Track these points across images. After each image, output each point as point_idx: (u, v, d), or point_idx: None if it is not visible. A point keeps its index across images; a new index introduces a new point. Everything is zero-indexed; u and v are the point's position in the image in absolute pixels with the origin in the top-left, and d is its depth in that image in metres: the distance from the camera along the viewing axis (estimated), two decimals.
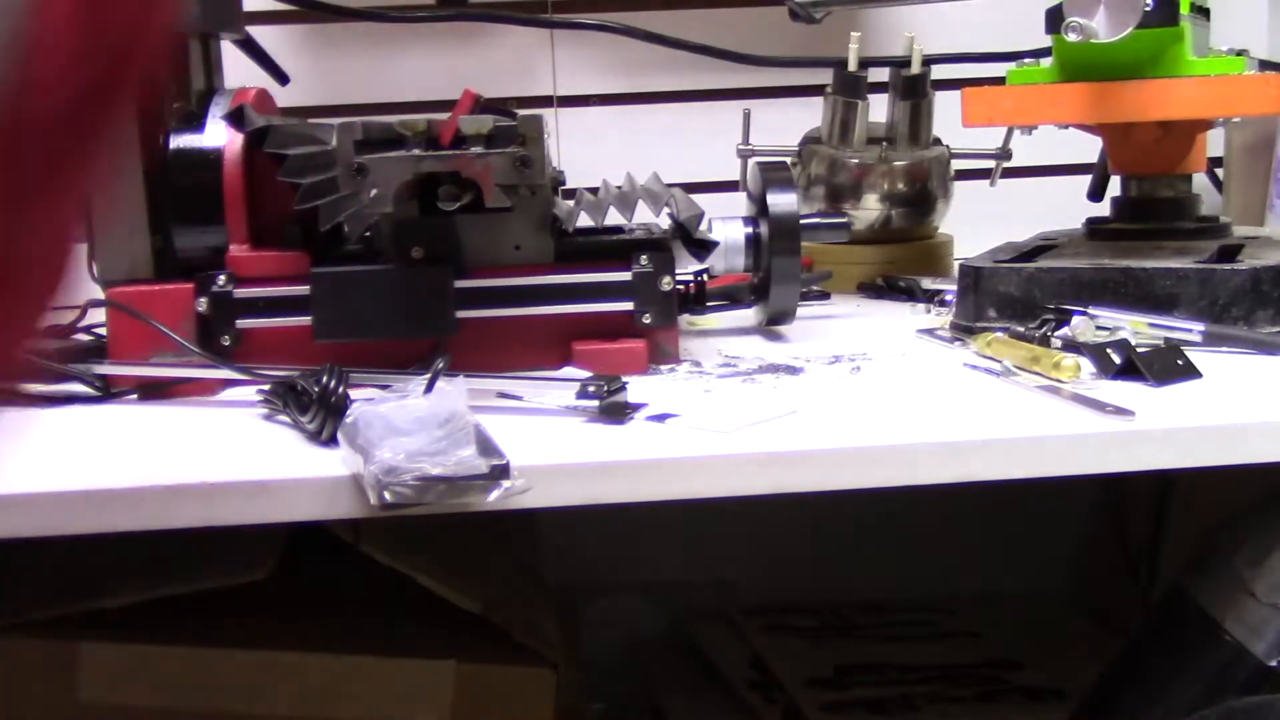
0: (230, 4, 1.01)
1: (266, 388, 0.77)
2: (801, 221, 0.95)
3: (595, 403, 0.73)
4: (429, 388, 0.69)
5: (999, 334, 0.87)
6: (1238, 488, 0.83)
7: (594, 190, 0.99)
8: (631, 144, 1.37)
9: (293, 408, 0.73)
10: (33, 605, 0.97)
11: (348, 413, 0.68)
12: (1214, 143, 1.23)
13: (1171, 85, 0.92)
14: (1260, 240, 1.01)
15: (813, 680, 1.20)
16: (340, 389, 0.70)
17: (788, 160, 1.18)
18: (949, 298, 1.02)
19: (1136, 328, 0.85)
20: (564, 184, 1.04)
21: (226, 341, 0.85)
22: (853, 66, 1.19)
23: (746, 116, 1.23)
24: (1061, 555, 1.43)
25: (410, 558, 0.95)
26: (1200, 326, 0.84)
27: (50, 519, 0.63)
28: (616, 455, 0.66)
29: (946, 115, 1.14)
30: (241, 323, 0.85)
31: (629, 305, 0.86)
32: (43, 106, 0.38)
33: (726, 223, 0.98)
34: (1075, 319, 0.85)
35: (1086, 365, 0.79)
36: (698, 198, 0.95)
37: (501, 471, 0.62)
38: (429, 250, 0.85)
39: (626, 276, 0.86)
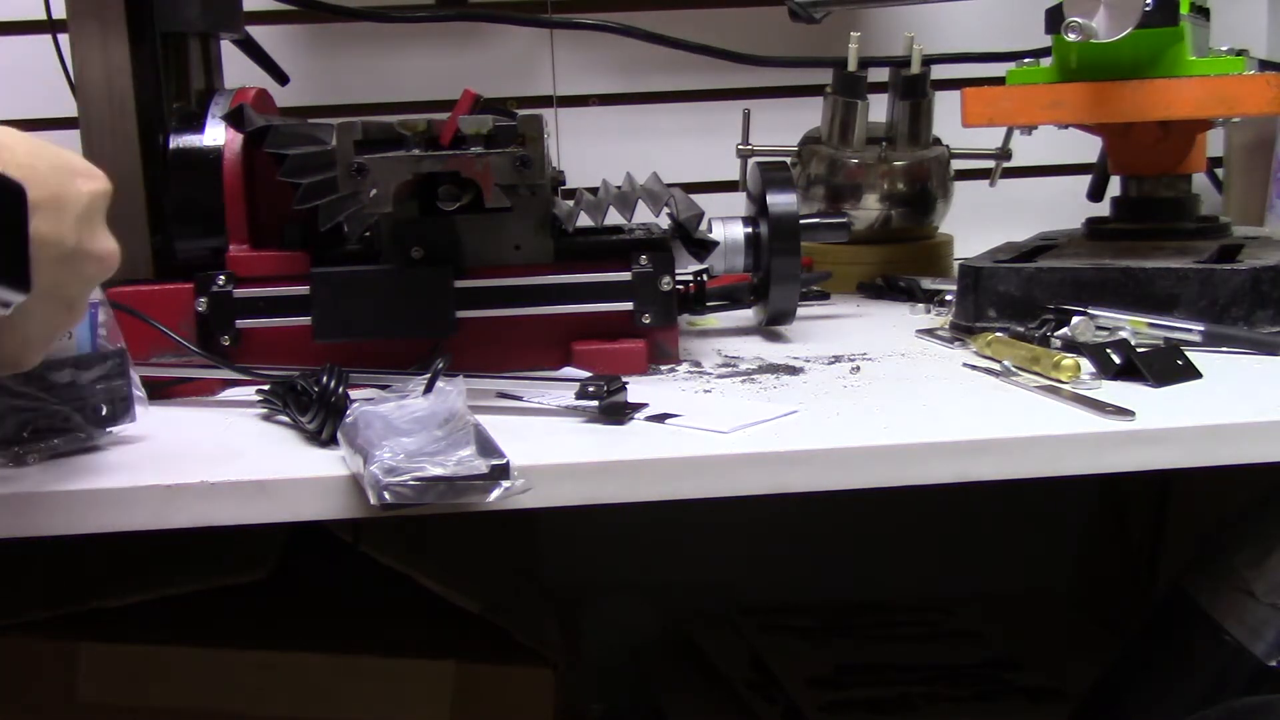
0: (230, 4, 1.01)
1: (266, 388, 0.77)
2: (801, 221, 0.95)
3: (595, 403, 0.73)
4: (429, 388, 0.69)
5: (999, 334, 0.87)
6: (1238, 488, 0.83)
7: (594, 190, 0.99)
8: (631, 144, 1.38)
9: (293, 408, 0.73)
10: (33, 605, 0.97)
11: (348, 413, 0.68)
12: (1214, 143, 1.23)
13: (1171, 85, 0.92)
14: (1260, 240, 1.02)
15: (813, 680, 1.20)
16: (340, 389, 0.70)
17: (788, 160, 1.18)
18: (949, 298, 1.02)
19: (1136, 328, 0.85)
20: (564, 184, 1.04)
21: (226, 341, 0.85)
22: (852, 66, 1.19)
23: (746, 116, 1.23)
24: (1061, 555, 1.43)
25: (410, 558, 0.95)
26: (1200, 326, 0.84)
27: (50, 519, 0.63)
28: (616, 455, 0.66)
29: (946, 115, 1.14)
30: (241, 323, 0.85)
31: (629, 305, 0.86)
32: None
33: (726, 223, 0.98)
34: (1075, 319, 0.85)
35: (1086, 365, 0.79)
36: (698, 198, 0.95)
37: (501, 471, 0.62)
38: (429, 250, 0.85)
39: (626, 276, 0.86)
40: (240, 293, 0.85)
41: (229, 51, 1.05)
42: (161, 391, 0.83)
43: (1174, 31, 0.91)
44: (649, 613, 1.36)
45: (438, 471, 0.61)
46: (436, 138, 0.81)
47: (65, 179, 0.58)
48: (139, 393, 0.73)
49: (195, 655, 0.96)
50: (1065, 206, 1.25)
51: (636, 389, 0.77)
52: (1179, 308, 0.87)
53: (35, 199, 0.55)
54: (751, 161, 1.08)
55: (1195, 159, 1.02)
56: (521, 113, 0.82)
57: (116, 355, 0.72)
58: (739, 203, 1.09)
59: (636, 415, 0.73)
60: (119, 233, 0.62)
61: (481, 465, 0.61)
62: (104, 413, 0.70)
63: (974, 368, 0.84)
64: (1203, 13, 0.99)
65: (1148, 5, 0.89)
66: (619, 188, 0.99)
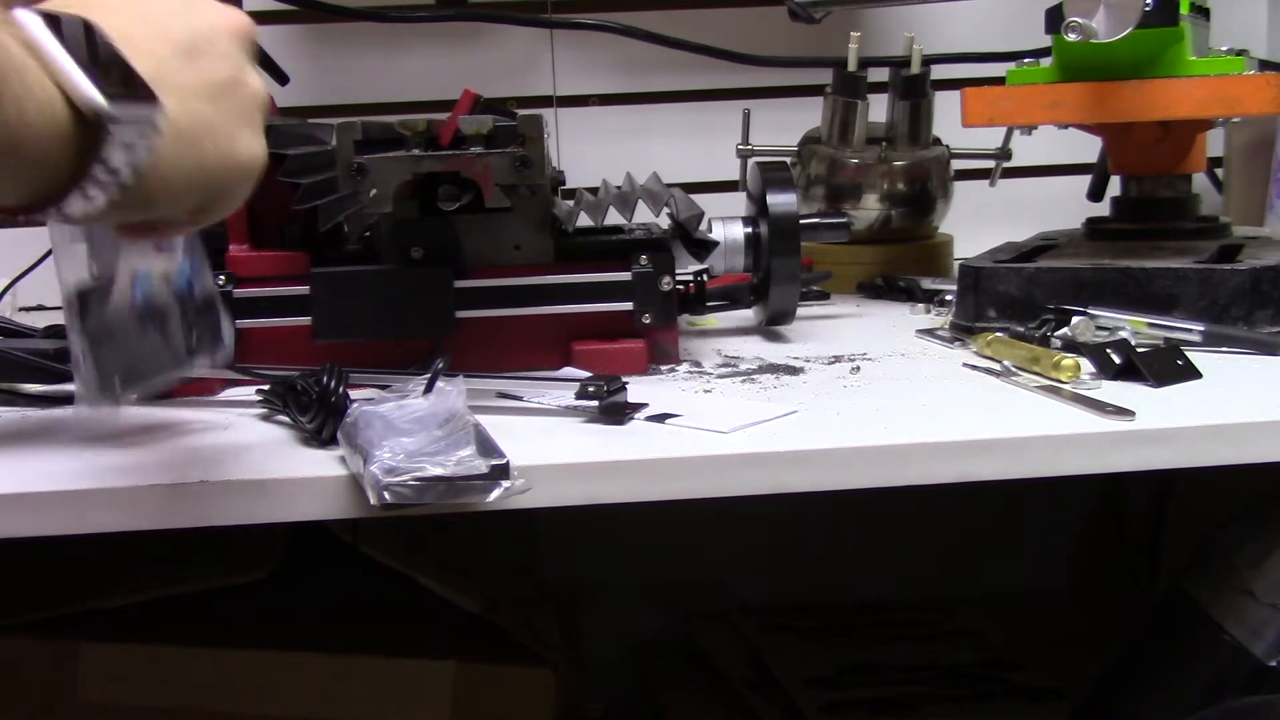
0: (230, 4, 1.01)
1: (266, 388, 0.77)
2: (801, 221, 0.95)
3: (595, 403, 0.73)
4: (429, 388, 0.69)
5: (999, 334, 0.87)
6: (1238, 488, 0.83)
7: (594, 190, 0.99)
8: (631, 144, 1.38)
9: (293, 408, 0.72)
10: (33, 605, 0.97)
11: (348, 413, 0.68)
12: (1214, 143, 1.23)
13: (1171, 85, 0.92)
14: (1260, 240, 1.02)
15: (812, 680, 1.20)
16: (340, 389, 0.70)
17: (788, 160, 1.18)
18: (949, 298, 1.02)
19: (1136, 328, 0.85)
20: (564, 184, 1.04)
21: None
22: (852, 66, 1.19)
23: (746, 116, 1.23)
24: (1061, 555, 1.43)
25: (410, 558, 0.95)
26: (1200, 326, 0.84)
27: (50, 519, 0.63)
28: (616, 455, 0.66)
29: (946, 115, 1.14)
30: (241, 323, 0.85)
31: (629, 305, 0.86)
32: None
33: (726, 223, 0.98)
34: (1075, 319, 0.85)
35: (1086, 365, 0.79)
36: (698, 198, 0.95)
37: (501, 471, 0.62)
38: (429, 250, 0.85)
39: (626, 276, 0.86)
40: (240, 293, 0.85)
41: None
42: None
43: (1174, 31, 0.91)
44: (649, 613, 1.36)
45: (438, 471, 0.61)
46: (436, 138, 0.81)
47: (196, 17, 0.56)
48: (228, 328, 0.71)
49: (195, 655, 0.96)
50: (1065, 206, 1.25)
51: (636, 389, 0.77)
52: (1179, 308, 0.87)
53: (158, 36, 0.53)
54: (751, 161, 1.08)
55: (1195, 159, 1.02)
56: (521, 113, 0.82)
57: (206, 297, 0.69)
58: (739, 203, 1.09)
59: (636, 415, 0.73)
60: None
61: (481, 465, 0.61)
62: (194, 343, 0.69)
63: (974, 368, 0.84)
64: (1203, 13, 0.99)
65: (1148, 5, 0.89)
66: (619, 188, 0.99)
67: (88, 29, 0.49)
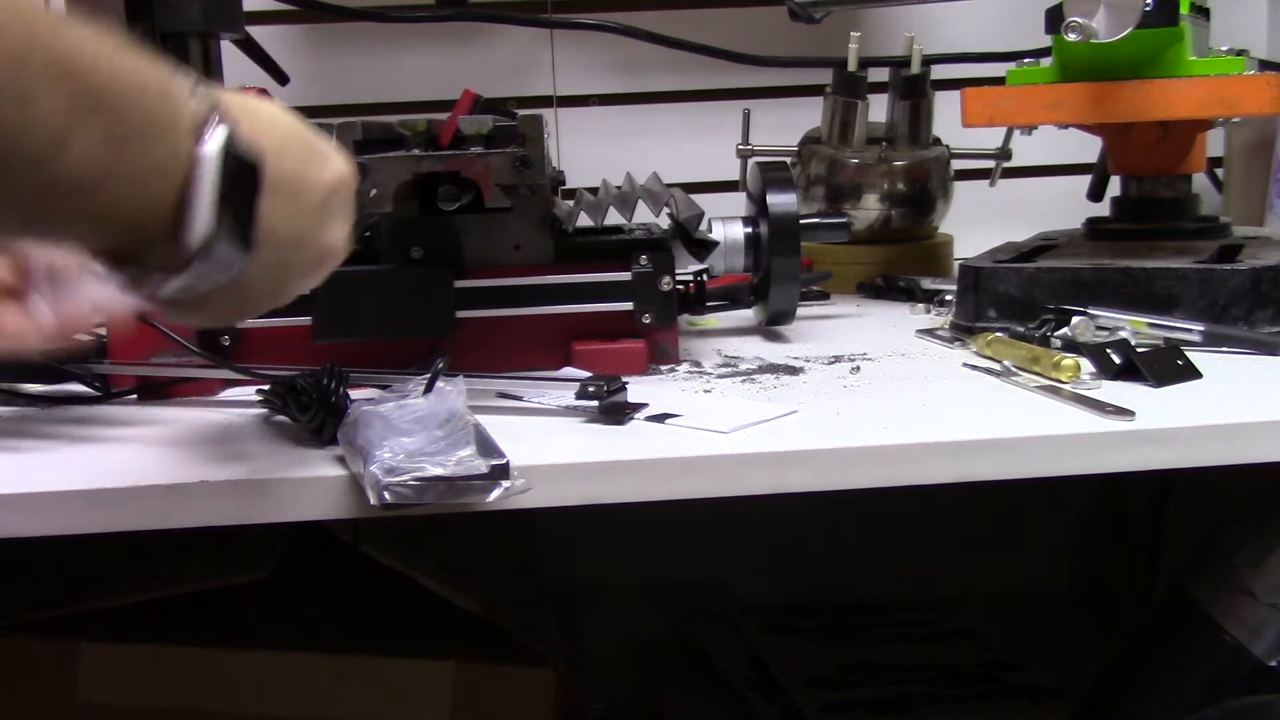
0: (230, 4, 1.01)
1: (266, 388, 0.77)
2: (801, 221, 0.95)
3: (595, 403, 0.73)
4: (429, 388, 0.69)
5: (999, 334, 0.87)
6: (1238, 488, 0.83)
7: (594, 190, 0.99)
8: (631, 144, 1.38)
9: (293, 408, 0.72)
10: (33, 605, 0.97)
11: (348, 413, 0.68)
12: (1214, 143, 1.23)
13: (1171, 85, 0.92)
14: (1260, 240, 1.02)
15: (812, 680, 1.20)
16: (340, 389, 0.70)
17: (788, 160, 1.18)
18: (949, 298, 1.02)
19: (1136, 328, 0.85)
20: (564, 184, 1.04)
21: (226, 341, 0.85)
22: (852, 66, 1.19)
23: (746, 116, 1.23)
24: (1061, 555, 1.43)
25: (410, 558, 0.95)
26: (1200, 326, 0.84)
27: (50, 519, 0.63)
28: (616, 455, 0.66)
29: (946, 115, 1.14)
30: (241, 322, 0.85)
31: (629, 305, 0.86)
32: None
33: (726, 223, 0.98)
34: (1075, 319, 0.85)
35: (1086, 365, 0.79)
36: (698, 198, 0.95)
37: (501, 471, 0.62)
38: (429, 250, 0.85)
39: (626, 276, 0.86)
40: None
41: (229, 51, 1.05)
42: (161, 391, 0.83)
43: (1174, 31, 0.91)
44: (649, 613, 1.36)
45: (438, 471, 0.61)
46: (436, 138, 0.81)
47: (312, 164, 0.57)
48: None
49: (195, 655, 0.96)
50: (1065, 206, 1.25)
51: (636, 389, 0.77)
52: (1179, 308, 0.87)
53: (276, 180, 0.53)
54: (751, 161, 1.08)
55: (1195, 159, 1.02)
56: (521, 113, 0.82)
57: None
58: (739, 203, 1.09)
59: (636, 415, 0.73)
60: None
61: (481, 465, 0.61)
62: None
63: (974, 368, 0.84)
64: (1203, 13, 0.99)
65: (1148, 5, 0.89)
66: (619, 188, 0.99)
67: (255, 174, 0.51)
